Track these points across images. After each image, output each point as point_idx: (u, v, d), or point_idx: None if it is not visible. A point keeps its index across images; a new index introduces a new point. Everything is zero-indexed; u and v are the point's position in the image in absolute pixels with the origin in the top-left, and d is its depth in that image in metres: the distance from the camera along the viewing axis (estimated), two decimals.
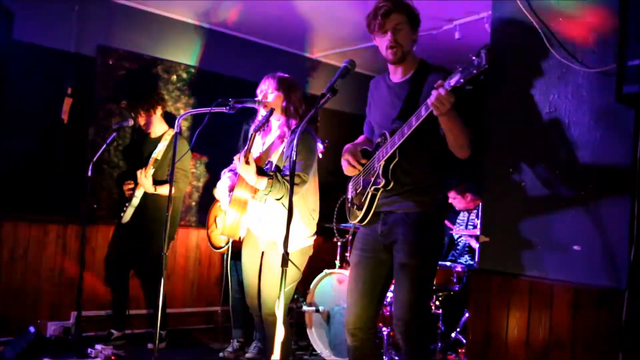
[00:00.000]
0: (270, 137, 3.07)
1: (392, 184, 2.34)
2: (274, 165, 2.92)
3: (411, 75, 2.44)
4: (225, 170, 3.27)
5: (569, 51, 2.39)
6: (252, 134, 2.85)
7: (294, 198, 2.69)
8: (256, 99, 2.98)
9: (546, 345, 2.36)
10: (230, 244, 3.51)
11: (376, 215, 2.46)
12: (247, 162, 2.78)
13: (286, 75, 3.08)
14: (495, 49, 2.72)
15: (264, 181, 2.79)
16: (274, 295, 2.87)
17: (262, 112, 3.04)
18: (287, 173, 2.84)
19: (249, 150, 2.79)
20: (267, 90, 2.99)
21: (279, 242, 2.87)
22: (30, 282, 4.09)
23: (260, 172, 2.84)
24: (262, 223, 2.98)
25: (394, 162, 2.33)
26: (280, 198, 2.86)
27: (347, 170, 2.59)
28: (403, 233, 2.37)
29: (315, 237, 3.07)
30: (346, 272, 3.90)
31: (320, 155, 3.56)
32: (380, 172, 2.34)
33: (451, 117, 2.19)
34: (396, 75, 2.50)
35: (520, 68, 2.59)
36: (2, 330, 3.85)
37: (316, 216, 3.06)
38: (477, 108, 2.56)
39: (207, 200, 4.40)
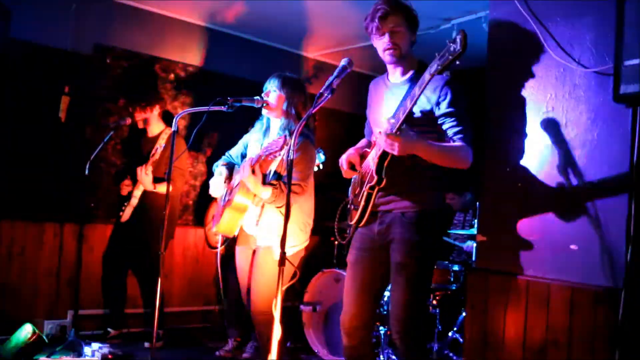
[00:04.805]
0: (270, 140, 3.06)
1: (384, 182, 2.31)
2: (272, 173, 2.91)
3: (410, 76, 2.43)
4: (218, 162, 3.24)
5: (566, 51, 2.40)
6: (263, 155, 2.72)
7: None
8: (255, 97, 2.97)
9: (543, 345, 2.36)
10: (226, 244, 3.50)
11: (374, 215, 2.45)
12: (253, 172, 2.77)
13: (293, 75, 3.05)
14: (493, 49, 2.73)
15: (268, 191, 2.78)
16: (264, 294, 2.87)
17: (264, 113, 3.05)
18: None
19: (257, 161, 2.78)
20: (270, 89, 2.99)
21: (274, 246, 2.88)
22: (27, 280, 4.07)
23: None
24: (258, 227, 2.98)
25: (388, 159, 2.30)
26: (281, 206, 2.85)
27: (344, 173, 2.59)
28: (399, 232, 2.36)
29: (307, 242, 3.07)
30: (343, 271, 3.90)
31: (321, 166, 3.52)
32: (374, 169, 2.32)
33: (418, 150, 2.21)
34: (395, 76, 2.49)
35: (518, 68, 2.59)
36: None
37: (311, 222, 3.07)
38: (475, 111, 2.56)
39: (204, 199, 4.38)
